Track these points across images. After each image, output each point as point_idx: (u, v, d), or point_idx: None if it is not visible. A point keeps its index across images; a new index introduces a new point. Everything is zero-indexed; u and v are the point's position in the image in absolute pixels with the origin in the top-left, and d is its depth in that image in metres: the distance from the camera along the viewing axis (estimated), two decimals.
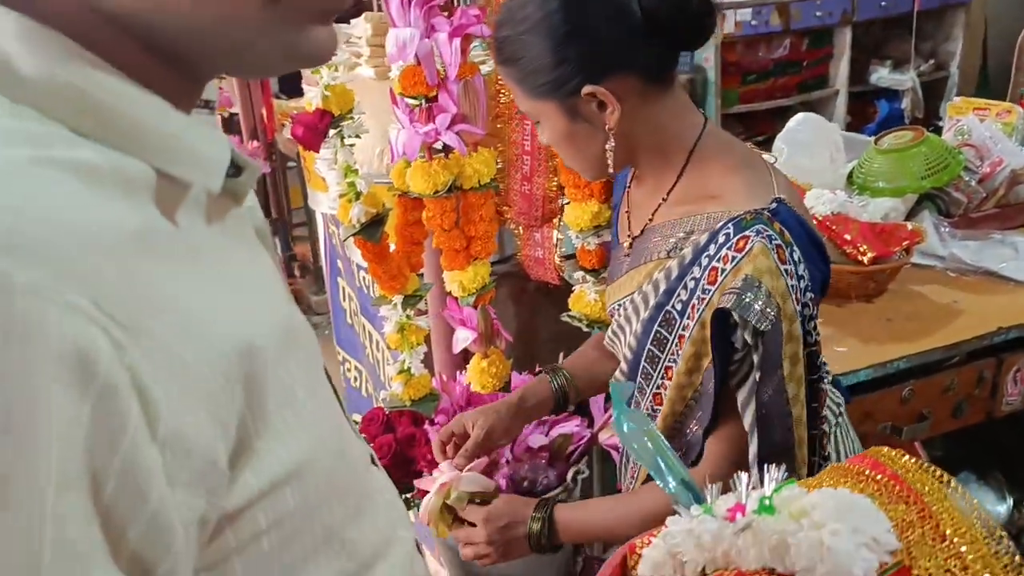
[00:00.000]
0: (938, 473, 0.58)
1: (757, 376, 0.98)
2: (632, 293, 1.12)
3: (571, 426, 1.75)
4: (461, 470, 1.36)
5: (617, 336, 1.17)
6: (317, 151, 1.50)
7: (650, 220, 1.13)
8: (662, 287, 1.06)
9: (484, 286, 1.50)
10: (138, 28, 0.46)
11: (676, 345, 1.06)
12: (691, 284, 1.03)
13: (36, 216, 0.38)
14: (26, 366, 0.36)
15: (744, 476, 0.55)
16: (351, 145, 1.51)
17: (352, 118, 1.51)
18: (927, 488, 0.57)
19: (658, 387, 1.10)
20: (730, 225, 1.00)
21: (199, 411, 0.42)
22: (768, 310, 0.96)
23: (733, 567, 0.51)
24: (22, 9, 0.44)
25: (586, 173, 1.17)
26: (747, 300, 0.96)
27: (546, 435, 1.77)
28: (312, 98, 1.47)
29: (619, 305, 1.16)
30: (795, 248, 1.00)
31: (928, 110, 4.09)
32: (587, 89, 1.01)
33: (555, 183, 1.95)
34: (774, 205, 1.02)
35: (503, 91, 1.96)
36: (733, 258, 0.99)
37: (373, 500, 0.59)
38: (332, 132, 1.49)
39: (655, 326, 1.07)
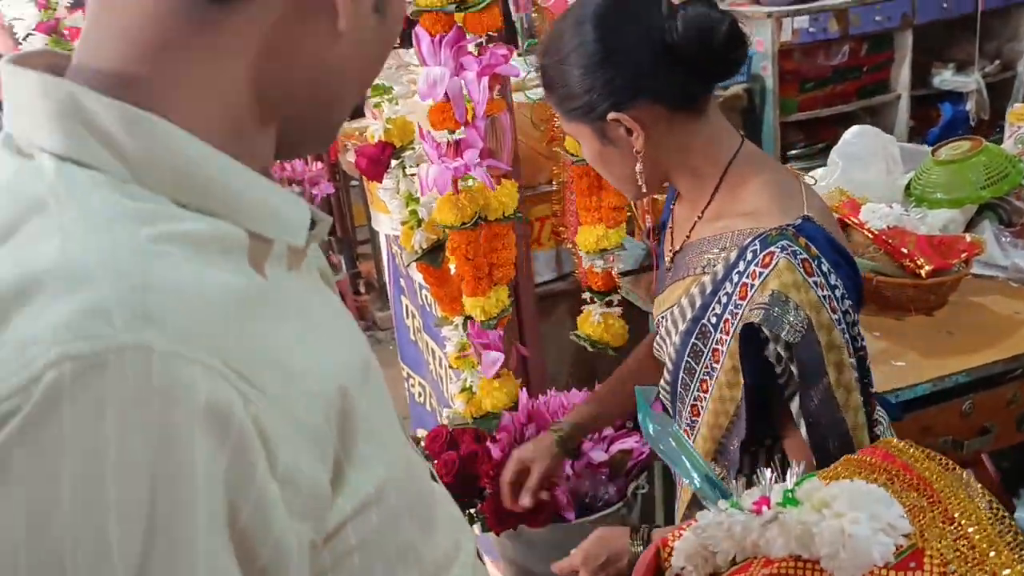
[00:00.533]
0: (944, 461, 0.66)
1: (801, 387, 1.05)
2: (673, 306, 1.21)
3: (630, 442, 1.82)
4: (527, 507, 1.51)
5: (662, 345, 1.26)
6: (380, 181, 1.62)
7: (687, 236, 1.22)
8: (698, 302, 1.15)
9: (504, 309, 1.57)
10: (286, 114, 0.58)
11: (711, 359, 1.13)
12: (724, 299, 1.11)
13: (165, 289, 0.46)
14: (175, 422, 0.43)
15: (767, 471, 0.62)
16: (412, 174, 1.62)
17: (413, 148, 1.62)
18: (935, 476, 0.65)
19: (695, 399, 1.18)
20: (757, 242, 1.08)
21: (307, 449, 0.50)
22: (797, 322, 1.03)
23: (761, 556, 0.58)
24: (198, 86, 0.53)
25: (624, 192, 1.26)
26: (776, 314, 1.04)
27: (606, 451, 1.85)
28: (375, 130, 1.58)
29: (663, 317, 1.25)
30: (823, 260, 1.07)
31: (995, 111, 4.04)
32: (612, 115, 1.11)
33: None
34: (799, 221, 1.09)
35: (557, 115, 2.05)
36: (760, 274, 1.07)
37: (438, 513, 0.67)
38: (394, 163, 1.60)
39: (692, 339, 1.15)
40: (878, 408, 1.30)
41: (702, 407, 1.16)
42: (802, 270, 1.05)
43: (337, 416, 0.53)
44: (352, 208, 4.45)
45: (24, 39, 2.08)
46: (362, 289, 4.59)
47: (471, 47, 1.47)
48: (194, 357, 0.44)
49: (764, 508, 0.60)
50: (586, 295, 1.71)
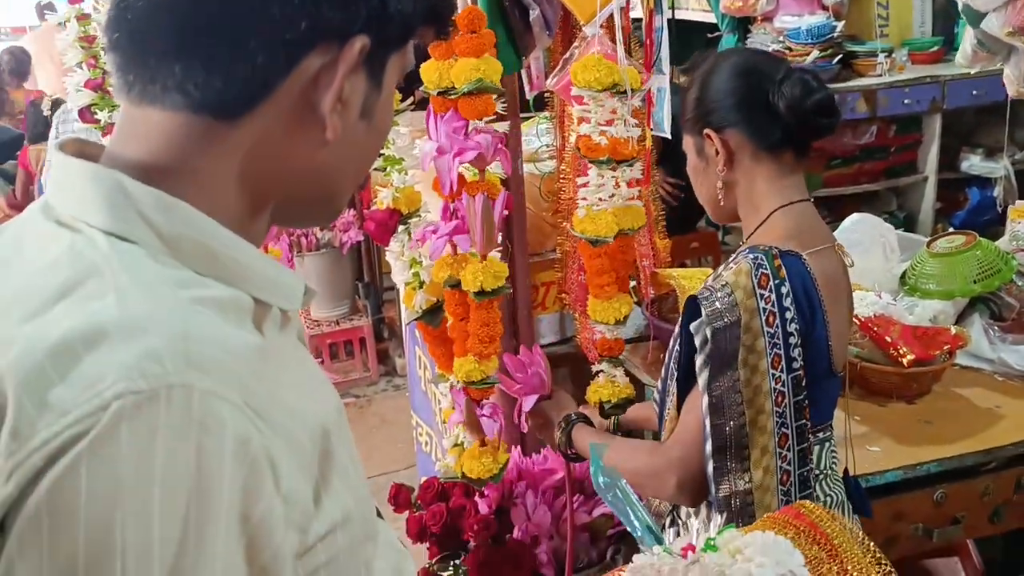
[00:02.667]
0: (843, 522, 0.82)
1: (708, 369, 1.24)
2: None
3: None
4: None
5: None
6: (387, 245, 1.75)
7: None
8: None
9: (484, 379, 1.65)
10: (278, 202, 0.71)
11: None
12: None
13: (203, 340, 0.58)
14: (208, 447, 0.55)
15: (694, 521, 0.71)
16: (418, 240, 1.74)
17: (419, 215, 1.74)
18: (835, 533, 0.80)
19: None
20: (746, 249, 1.30)
21: (302, 476, 0.62)
22: (725, 313, 1.24)
23: None
24: (176, 178, 0.64)
25: (708, 209, 1.47)
26: (712, 296, 1.26)
27: (589, 513, 1.93)
28: (383, 198, 1.71)
29: None
30: (786, 284, 1.25)
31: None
32: (706, 131, 1.37)
33: None
34: (789, 250, 1.28)
35: (564, 189, 2.18)
36: (728, 266, 1.31)
37: (384, 540, 0.80)
38: (401, 228, 1.73)
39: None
40: (835, 489, 1.38)
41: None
42: (756, 280, 1.25)
43: (319, 452, 0.65)
44: (381, 255, 4.59)
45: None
46: (385, 335, 4.71)
47: (481, 125, 1.59)
48: (225, 396, 0.56)
49: (689, 553, 0.75)
50: (597, 366, 1.77)
